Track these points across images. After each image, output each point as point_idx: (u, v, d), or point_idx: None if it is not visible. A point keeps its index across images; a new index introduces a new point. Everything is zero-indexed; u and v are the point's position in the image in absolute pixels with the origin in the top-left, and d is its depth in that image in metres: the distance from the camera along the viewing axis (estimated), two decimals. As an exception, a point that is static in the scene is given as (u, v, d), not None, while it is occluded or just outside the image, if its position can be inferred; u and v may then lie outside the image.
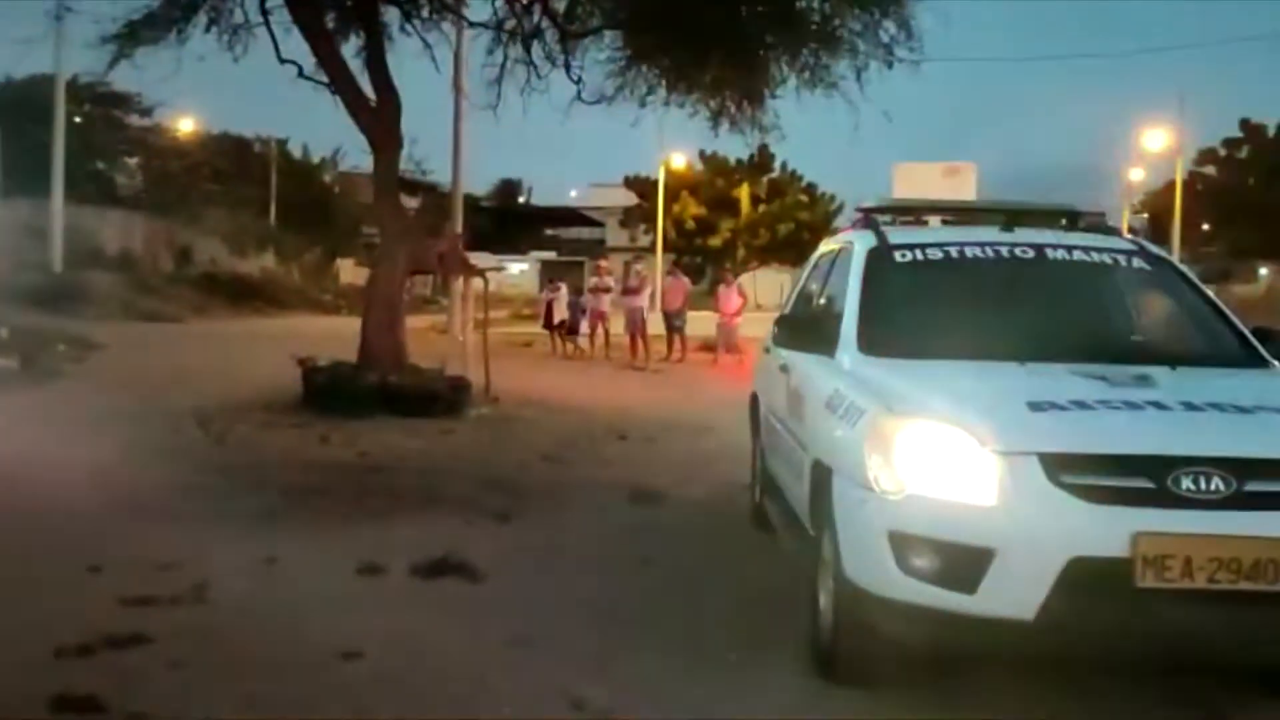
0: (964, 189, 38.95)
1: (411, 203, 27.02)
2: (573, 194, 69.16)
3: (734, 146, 55.39)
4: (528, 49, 13.51)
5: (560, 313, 21.42)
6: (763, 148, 34.81)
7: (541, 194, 71.01)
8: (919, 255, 5.20)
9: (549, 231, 65.29)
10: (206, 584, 5.12)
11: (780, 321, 5.97)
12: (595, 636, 4.66)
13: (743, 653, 4.48)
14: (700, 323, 21.09)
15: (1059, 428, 3.75)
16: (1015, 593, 3.53)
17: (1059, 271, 5.17)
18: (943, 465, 3.72)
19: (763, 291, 37.94)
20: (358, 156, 36.96)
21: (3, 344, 14.25)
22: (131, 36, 12.45)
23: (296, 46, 12.40)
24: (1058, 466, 3.59)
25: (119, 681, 3.92)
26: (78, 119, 33.19)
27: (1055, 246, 5.22)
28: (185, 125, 40.40)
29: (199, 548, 5.78)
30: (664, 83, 13.43)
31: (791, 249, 46.86)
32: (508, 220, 60.39)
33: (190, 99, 35.80)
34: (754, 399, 7.00)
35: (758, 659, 4.42)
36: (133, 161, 40.50)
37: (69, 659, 4.14)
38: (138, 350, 17.40)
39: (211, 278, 35.07)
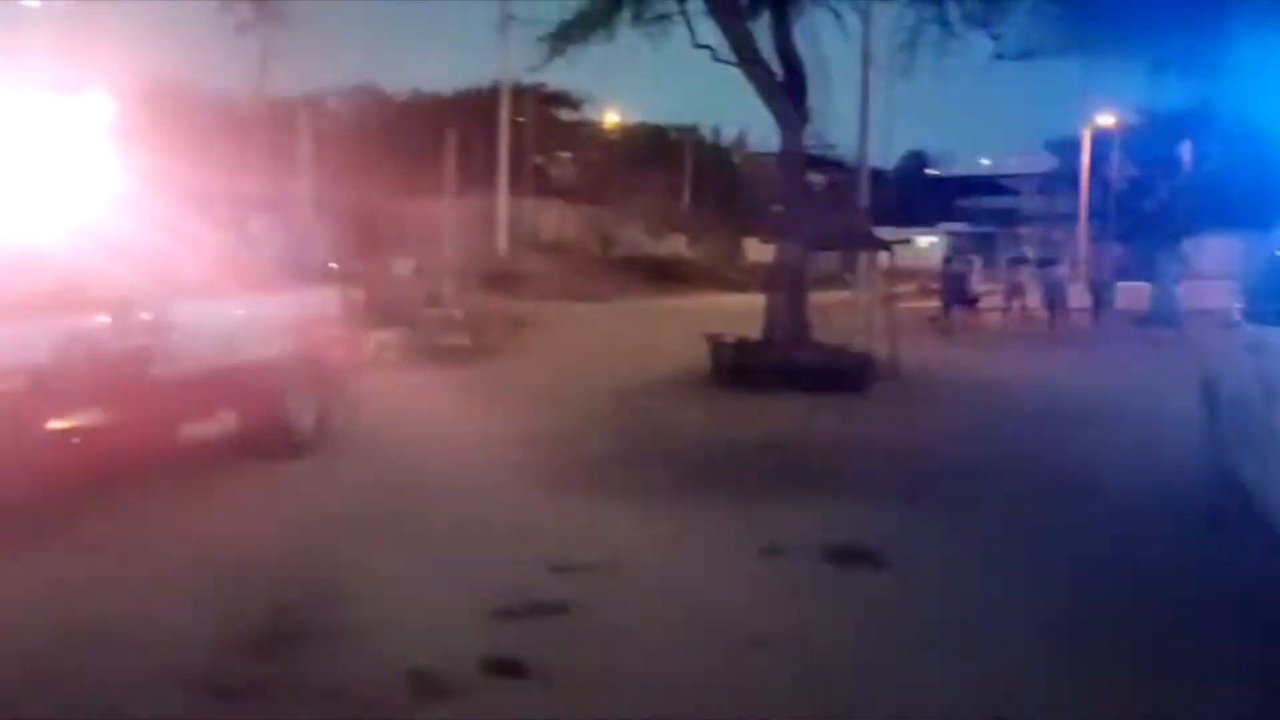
0: None
1: (816, 179, 26.90)
2: (984, 162, 65.79)
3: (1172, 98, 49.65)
4: (943, 8, 12.84)
5: (976, 286, 20.38)
6: (1209, 96, 30.86)
7: (951, 164, 68.22)
8: None
9: (960, 203, 62.58)
10: (619, 556, 5.29)
11: (1250, 292, 5.09)
12: (1022, 648, 4.22)
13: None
14: (1131, 293, 19.13)
15: None
16: None
17: None
18: None
19: (1209, 258, 33.74)
20: (764, 137, 37.58)
21: (458, 323, 15.94)
22: (564, 35, 13.41)
23: (708, 31, 12.71)
24: None
25: (541, 648, 4.09)
26: (520, 119, 36.58)
27: None
28: (610, 117, 43.26)
29: (613, 519, 6.01)
30: (1100, 29, 12.16)
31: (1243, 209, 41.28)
32: (916, 192, 58.62)
33: (614, 92, 38.31)
34: (1207, 381, 6.09)
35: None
36: (565, 155, 44.07)
37: (497, 621, 4.40)
38: (566, 328, 18.76)
39: (631, 260, 37.27)
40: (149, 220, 6.30)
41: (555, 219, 37.57)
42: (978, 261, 21.08)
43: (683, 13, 12.81)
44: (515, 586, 4.74)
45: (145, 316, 6.00)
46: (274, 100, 27.35)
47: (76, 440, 5.50)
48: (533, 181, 38.06)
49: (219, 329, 6.64)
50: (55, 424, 5.37)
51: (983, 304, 20.00)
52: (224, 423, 6.66)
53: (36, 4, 21.99)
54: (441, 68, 62.87)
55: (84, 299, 5.62)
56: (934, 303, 22.80)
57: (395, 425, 8.55)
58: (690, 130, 49.11)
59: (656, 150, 46.62)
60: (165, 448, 6.17)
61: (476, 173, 28.42)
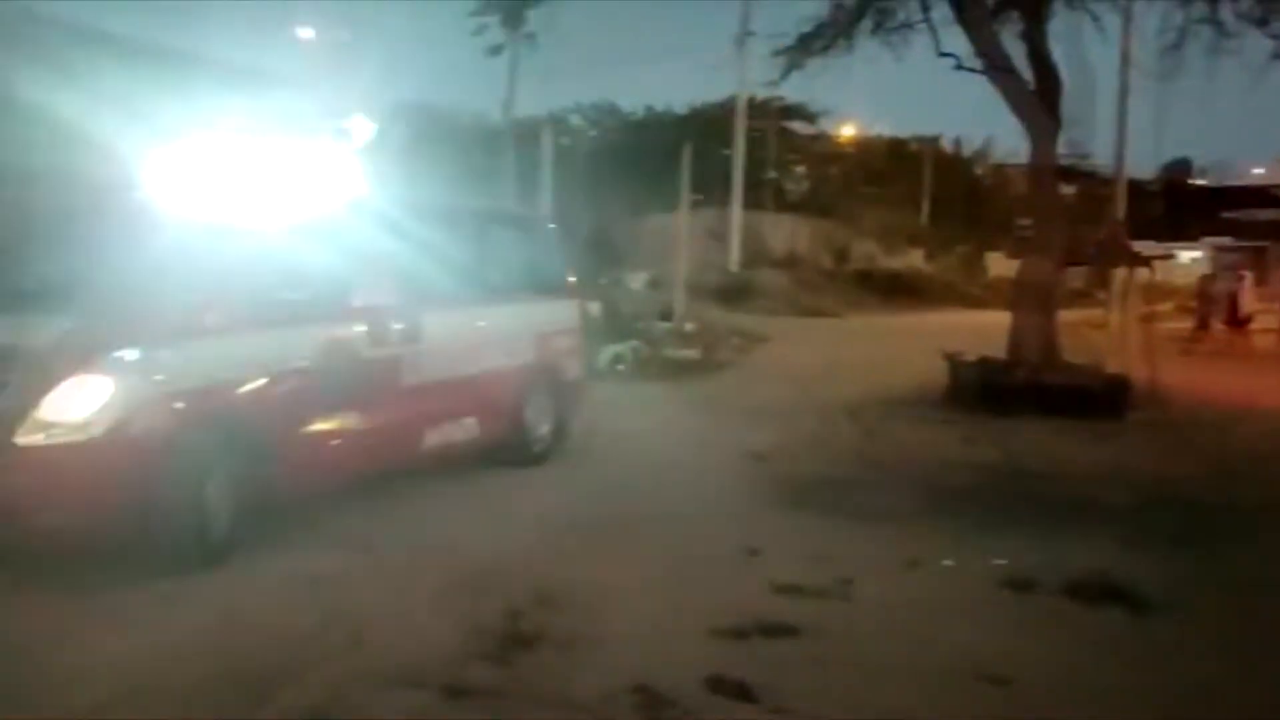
0: None
1: (1068, 190, 25.49)
2: (1257, 171, 60.32)
3: None
4: (1216, 7, 11.84)
5: (1247, 305, 18.65)
6: None
7: (1219, 173, 62.94)
8: None
9: (1228, 215, 57.65)
10: (851, 580, 5.12)
11: None
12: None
13: None
14: None
15: None
16: None
17: None
18: None
19: None
20: (1010, 146, 36.05)
21: (689, 336, 16.07)
22: (803, 47, 13.27)
23: (953, 40, 12.25)
24: None
25: (767, 671, 4.00)
26: (755, 133, 36.63)
27: None
28: (846, 130, 42.62)
29: (845, 542, 5.83)
30: None
31: None
32: (1177, 204, 54.51)
33: (852, 104, 37.73)
34: None
35: None
36: (799, 169, 43.75)
37: (724, 640, 4.34)
38: (796, 343, 18.54)
39: (865, 274, 36.49)
40: (402, 234, 6.66)
41: (788, 233, 37.31)
42: (1248, 278, 19.25)
43: (926, 21, 12.39)
44: (741, 606, 4.67)
45: (398, 326, 6.34)
46: (520, 118, 28.58)
47: (336, 442, 5.86)
48: (766, 195, 37.99)
49: (464, 339, 6.93)
50: (316, 426, 5.74)
51: (1255, 324, 18.25)
52: (465, 429, 6.94)
53: (311, 35, 23.85)
54: (677, 85, 64.13)
55: (344, 309, 5.99)
56: (1189, 322, 21.07)
57: (626, 437, 8.68)
58: (930, 141, 47.68)
59: (894, 162, 45.54)
60: (412, 452, 6.49)
61: (710, 187, 28.66)
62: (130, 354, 4.94)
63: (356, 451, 5.97)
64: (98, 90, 11.24)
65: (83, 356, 4.83)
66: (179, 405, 5.02)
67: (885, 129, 46.20)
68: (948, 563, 5.51)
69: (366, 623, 4.39)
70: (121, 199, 6.39)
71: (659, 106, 39.17)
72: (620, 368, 13.24)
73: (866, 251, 39.49)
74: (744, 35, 24.86)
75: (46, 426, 4.67)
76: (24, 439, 4.65)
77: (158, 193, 6.21)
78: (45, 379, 4.72)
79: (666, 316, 16.87)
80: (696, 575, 5.24)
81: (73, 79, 11.71)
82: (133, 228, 6.13)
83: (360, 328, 6.07)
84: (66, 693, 3.70)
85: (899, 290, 35.21)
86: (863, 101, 44.37)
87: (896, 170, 45.11)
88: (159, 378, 4.99)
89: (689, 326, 16.70)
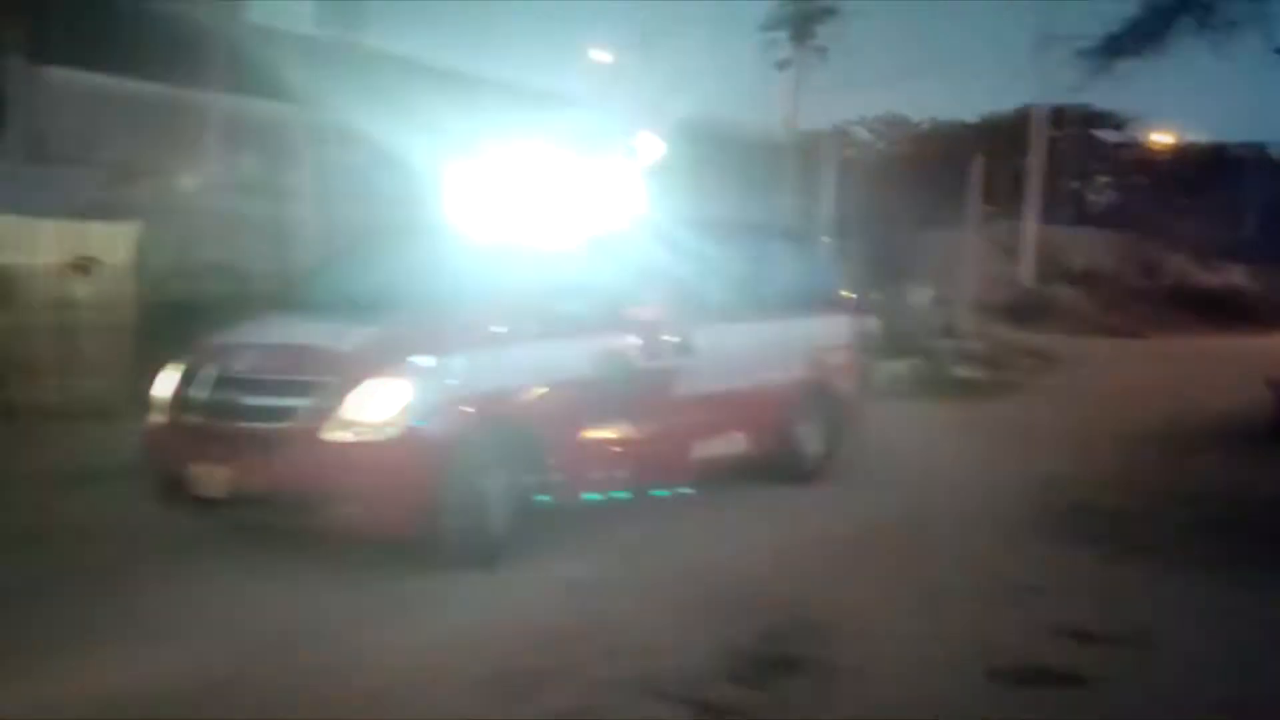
0: None
1: None
2: None
3: None
4: None
5: None
6: None
7: None
8: None
9: None
10: (1149, 628, 4.66)
11: None
12: None
13: None
14: None
15: None
16: None
17: None
18: None
19: None
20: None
21: (975, 356, 15.36)
22: (1111, 50, 12.37)
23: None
24: None
25: (1045, 721, 3.71)
26: (1055, 142, 34.63)
27: None
28: (1158, 138, 39.49)
29: (1144, 585, 5.35)
30: None
31: None
32: None
33: (1164, 108, 34.92)
34: None
35: None
36: (1102, 179, 40.94)
37: (1002, 685, 4.05)
38: (1096, 365, 17.29)
39: (1177, 291, 33.57)
40: (678, 249, 6.76)
41: (1088, 247, 34.91)
42: None
43: (1261, 14, 11.18)
44: (1020, 647, 4.37)
45: (672, 339, 6.42)
46: (803, 132, 28.45)
47: (607, 451, 6.01)
48: (1065, 208, 35.80)
49: (736, 353, 6.92)
50: (589, 434, 5.91)
51: None
52: (733, 444, 6.92)
53: (606, 58, 24.85)
54: (968, 94, 61.69)
55: (620, 322, 6.13)
56: None
57: (902, 459, 8.36)
58: (1258, 147, 43.22)
59: (1212, 171, 41.61)
60: (680, 464, 6.54)
61: (1002, 199, 27.32)
62: (426, 360, 5.27)
63: (626, 461, 6.08)
64: (410, 115, 12.20)
65: (384, 361, 5.21)
66: (467, 409, 5.30)
67: (1202, 135, 42.42)
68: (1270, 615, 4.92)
69: (622, 632, 4.44)
70: (427, 218, 6.90)
71: (948, 117, 37.86)
72: (900, 386, 12.83)
73: (1179, 267, 36.32)
74: (1044, 39, 23.54)
75: (350, 424, 5.06)
76: (330, 435, 5.06)
77: (458, 211, 6.66)
78: (351, 381, 5.12)
79: (951, 334, 16.19)
80: (971, 609, 4.95)
81: (390, 106, 12.79)
82: (434, 244, 6.61)
83: (635, 340, 6.20)
84: (346, 678, 3.97)
85: (1215, 310, 32.10)
86: (1175, 105, 40.95)
87: (1214, 179, 41.19)
88: (451, 383, 5.29)
89: (975, 345, 15.94)
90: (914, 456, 8.49)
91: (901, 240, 27.10)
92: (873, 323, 12.53)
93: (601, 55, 25.80)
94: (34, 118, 13.57)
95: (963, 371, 14.07)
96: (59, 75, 14.26)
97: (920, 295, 20.94)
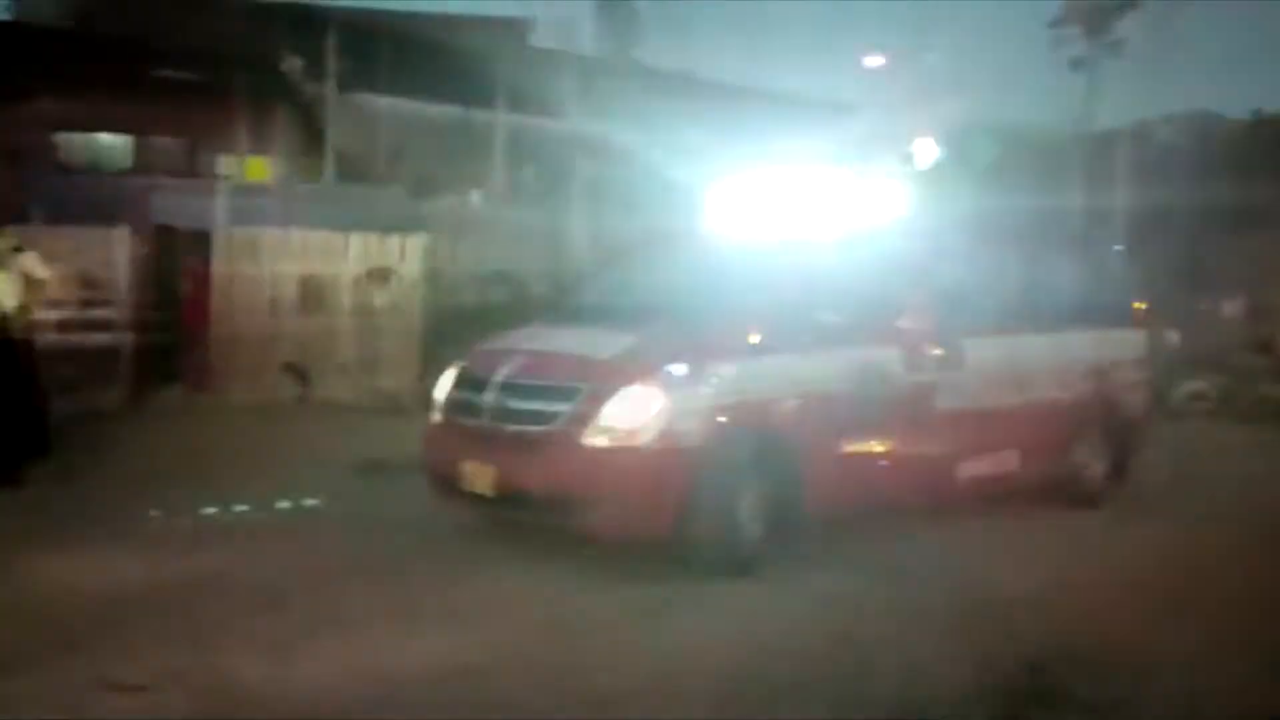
0: None
1: None
2: None
3: None
4: None
5: None
6: None
7: None
8: None
9: None
10: None
11: None
12: None
13: None
14: None
15: None
16: None
17: None
18: None
19: None
20: None
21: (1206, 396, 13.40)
22: None
23: None
24: None
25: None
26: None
27: None
28: None
29: None
30: None
31: None
32: None
33: None
34: None
35: None
36: None
37: None
38: None
39: None
40: (948, 259, 6.48)
41: None
42: None
43: None
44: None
45: (937, 352, 6.15)
46: (1100, 131, 26.57)
47: (865, 465, 5.82)
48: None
49: (1008, 368, 6.55)
50: (846, 448, 5.74)
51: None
52: (1004, 464, 6.53)
53: (880, 63, 24.32)
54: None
55: (881, 333, 5.93)
56: None
57: (1197, 486, 7.61)
58: None
59: None
60: (944, 482, 6.24)
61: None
62: (681, 370, 5.32)
63: (886, 477, 5.88)
64: (679, 128, 12.46)
65: (640, 370, 5.31)
66: (721, 419, 5.30)
67: None
68: None
69: (876, 651, 4.30)
70: (690, 228, 6.99)
71: (1272, 109, 34.14)
72: (1202, 406, 11.72)
73: None
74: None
75: (607, 430, 5.19)
76: (589, 440, 5.21)
77: (721, 221, 6.71)
78: (609, 388, 5.25)
79: (1265, 349, 14.59)
80: (1261, 658, 4.42)
81: (660, 120, 13.11)
82: (696, 253, 6.69)
83: (897, 352, 5.99)
84: (594, 675, 4.05)
85: None
86: None
87: None
88: (706, 391, 5.32)
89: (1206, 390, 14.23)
90: (1210, 484, 7.71)
91: (1210, 247, 24.76)
92: (1171, 337, 11.54)
93: (875, 60, 25.25)
94: (343, 140, 14.98)
95: (1276, 391, 12.63)
96: (365, 101, 15.65)
97: (1232, 306, 19.01)
